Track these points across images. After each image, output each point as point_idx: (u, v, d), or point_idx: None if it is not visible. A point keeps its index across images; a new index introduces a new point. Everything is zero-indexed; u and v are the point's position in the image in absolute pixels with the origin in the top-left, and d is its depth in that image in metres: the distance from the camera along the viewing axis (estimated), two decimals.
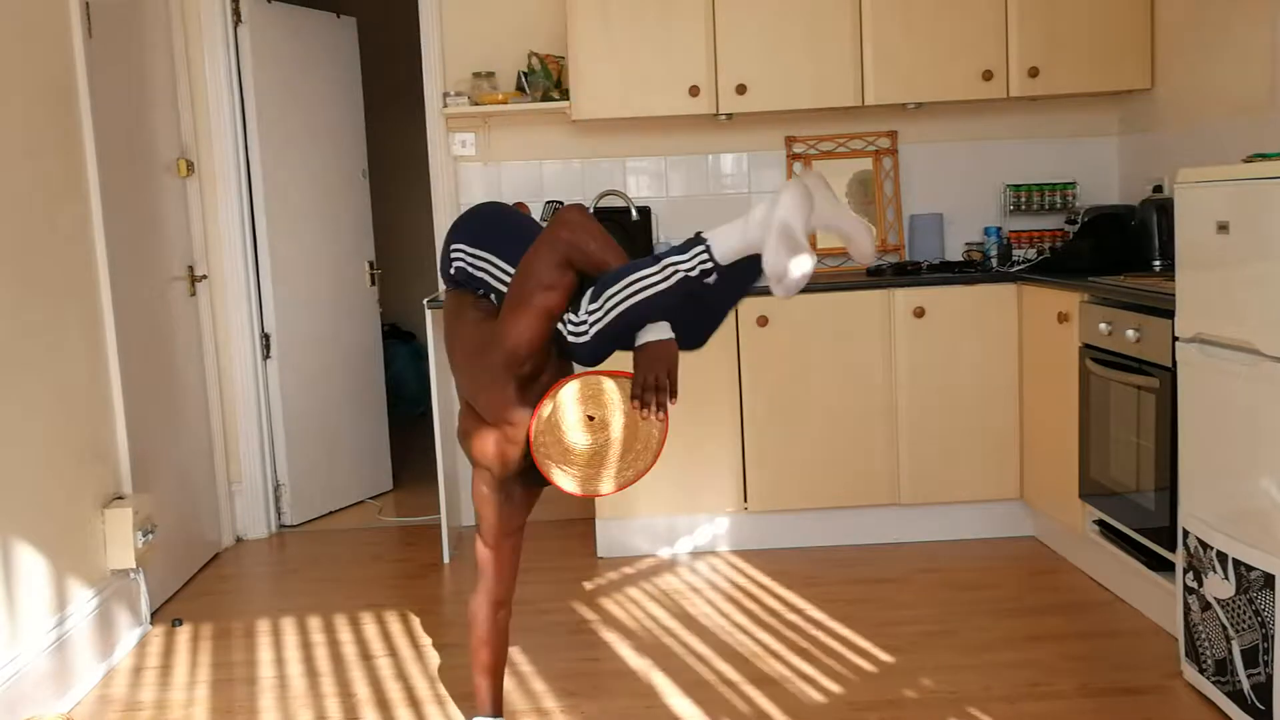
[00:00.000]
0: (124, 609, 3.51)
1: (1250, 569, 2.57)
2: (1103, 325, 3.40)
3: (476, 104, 4.44)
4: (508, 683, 3.12)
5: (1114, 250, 3.86)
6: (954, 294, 4.08)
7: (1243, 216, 2.55)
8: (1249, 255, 2.53)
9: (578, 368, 2.52)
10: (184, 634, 3.62)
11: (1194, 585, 2.83)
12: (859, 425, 4.12)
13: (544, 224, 2.58)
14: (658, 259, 2.31)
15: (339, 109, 5.04)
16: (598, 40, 4.23)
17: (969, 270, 4.25)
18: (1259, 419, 2.53)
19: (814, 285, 4.09)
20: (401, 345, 7.00)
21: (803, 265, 2.20)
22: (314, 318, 4.89)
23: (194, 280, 4.37)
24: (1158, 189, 4.13)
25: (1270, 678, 2.51)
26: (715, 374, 4.10)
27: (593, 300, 2.34)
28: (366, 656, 3.36)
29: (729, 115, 4.38)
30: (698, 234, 2.32)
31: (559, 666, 3.22)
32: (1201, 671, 2.82)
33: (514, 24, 4.57)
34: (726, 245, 2.28)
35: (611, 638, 3.43)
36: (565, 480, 2.38)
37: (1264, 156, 2.86)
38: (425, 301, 4.19)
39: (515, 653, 3.33)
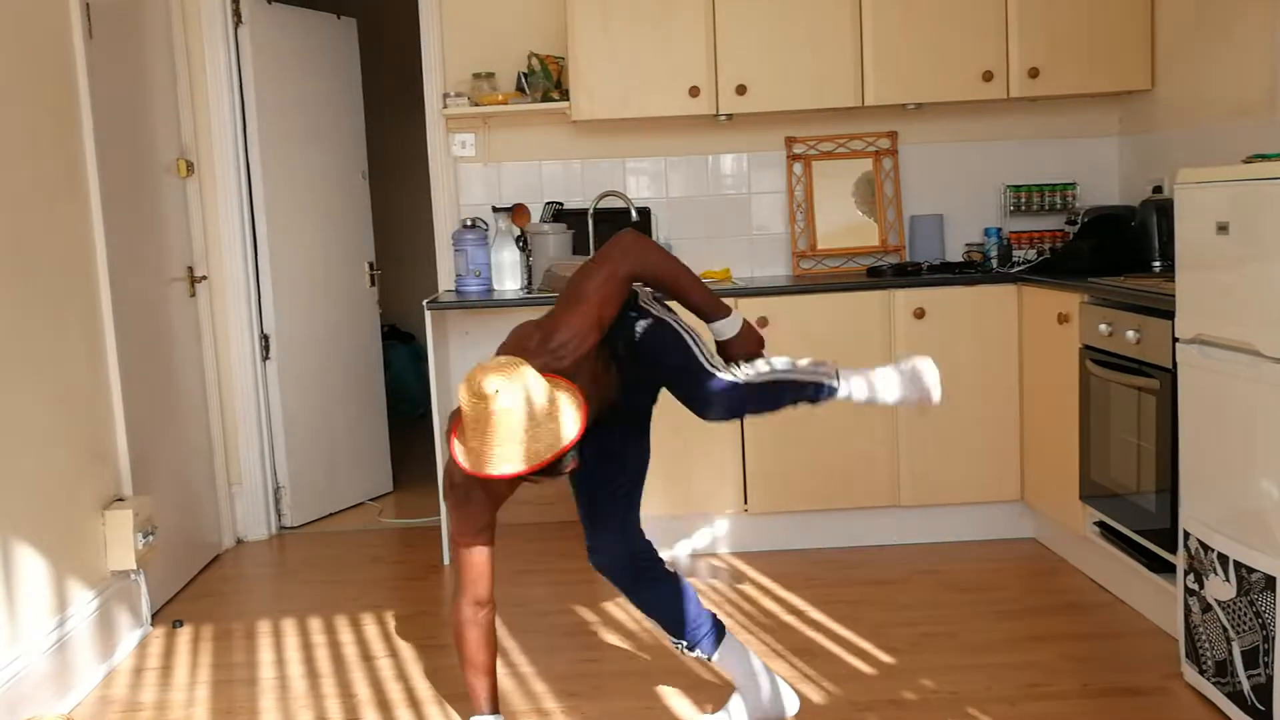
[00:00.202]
0: (124, 610, 3.51)
1: (1251, 570, 2.57)
2: (1103, 326, 3.40)
3: (476, 104, 4.44)
4: (508, 683, 3.12)
5: (1114, 251, 3.86)
6: (954, 295, 4.08)
7: (1243, 217, 2.55)
8: (1249, 256, 2.53)
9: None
10: (185, 635, 3.62)
11: (1195, 587, 2.82)
12: (859, 427, 4.11)
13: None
14: (814, 367, 2.70)
15: (339, 109, 5.04)
16: (598, 41, 4.23)
17: (969, 271, 4.25)
18: (1259, 420, 2.52)
19: (814, 285, 4.09)
20: (401, 346, 7.00)
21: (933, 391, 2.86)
22: (314, 319, 4.88)
23: (194, 281, 4.37)
24: (1158, 190, 4.13)
25: (1270, 679, 2.51)
26: None
27: (750, 366, 2.67)
28: (367, 657, 3.36)
29: (729, 116, 4.38)
30: (836, 372, 2.73)
31: (559, 667, 3.22)
32: (1202, 673, 2.81)
33: (514, 24, 4.57)
34: (858, 390, 2.75)
35: (612, 639, 3.43)
36: (462, 455, 2.32)
37: (1264, 157, 2.86)
38: (425, 302, 4.18)
39: (515, 653, 3.34)
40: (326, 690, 3.15)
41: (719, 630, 2.79)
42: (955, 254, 4.62)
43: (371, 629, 3.58)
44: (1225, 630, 2.68)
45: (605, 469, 2.74)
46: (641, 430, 2.81)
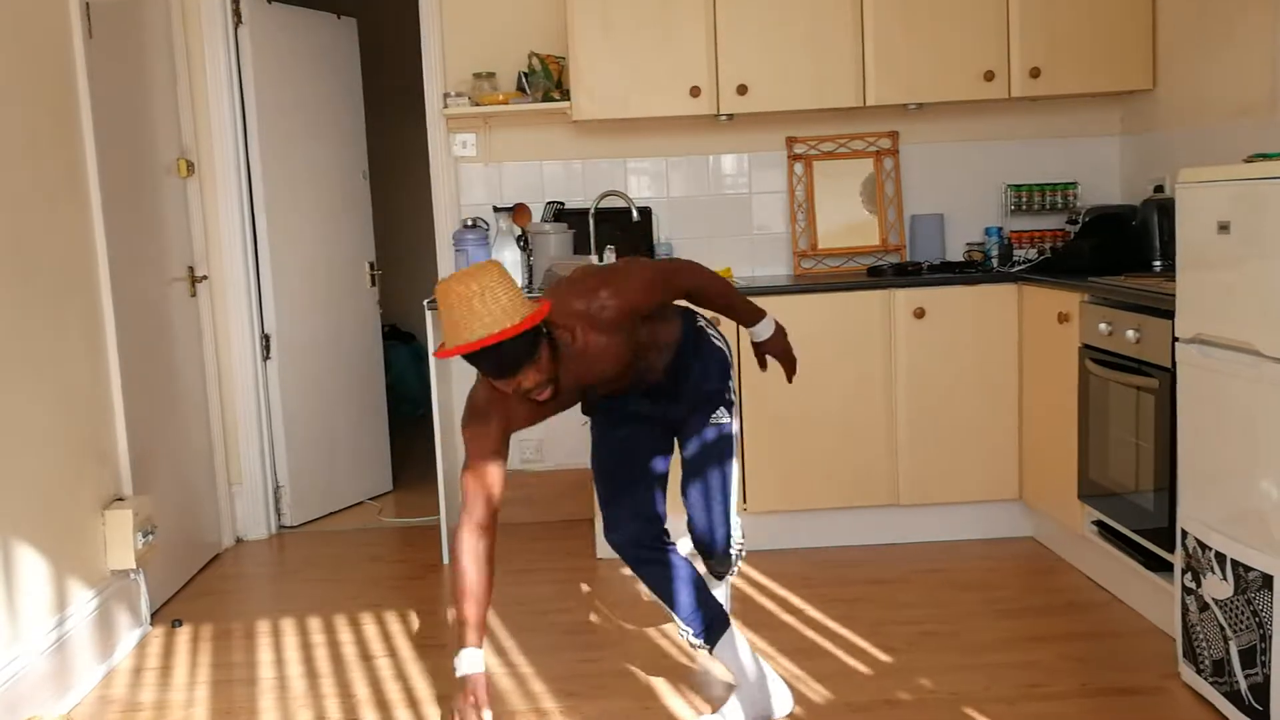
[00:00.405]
0: (124, 610, 3.52)
1: (1248, 570, 2.57)
2: (1103, 325, 3.40)
3: (477, 104, 4.44)
4: (508, 683, 3.12)
5: (1115, 250, 3.86)
6: (954, 294, 4.08)
7: (1244, 217, 2.55)
8: (1250, 256, 2.53)
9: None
10: (184, 635, 3.62)
11: (1192, 586, 2.82)
12: (858, 426, 4.12)
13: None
14: (711, 612, 2.88)
15: (339, 109, 5.05)
16: (598, 41, 4.23)
17: (970, 270, 4.25)
18: (1258, 420, 2.52)
19: (815, 285, 4.09)
20: (402, 346, 7.00)
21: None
22: (314, 319, 4.89)
23: (194, 281, 4.37)
24: (1159, 189, 4.13)
25: (1268, 678, 2.51)
26: None
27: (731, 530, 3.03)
28: (366, 657, 3.37)
29: (730, 116, 4.38)
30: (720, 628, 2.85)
31: (558, 667, 3.22)
32: (1199, 672, 2.81)
33: (514, 24, 4.57)
34: (725, 656, 2.86)
35: (612, 639, 3.43)
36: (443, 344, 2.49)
37: (1265, 157, 2.86)
38: (425, 302, 4.19)
39: (515, 653, 3.34)
40: (326, 690, 3.15)
41: (721, 625, 2.83)
42: (956, 253, 4.62)
43: (371, 629, 3.58)
44: (1223, 629, 2.68)
45: (632, 454, 2.94)
46: (670, 439, 3.03)
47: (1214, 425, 2.71)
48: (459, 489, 4.61)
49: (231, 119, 4.49)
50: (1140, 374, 3.20)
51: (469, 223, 4.40)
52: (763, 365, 3.03)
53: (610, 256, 4.39)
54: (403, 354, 6.96)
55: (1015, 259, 4.44)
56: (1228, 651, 2.67)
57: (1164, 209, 3.80)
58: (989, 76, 4.23)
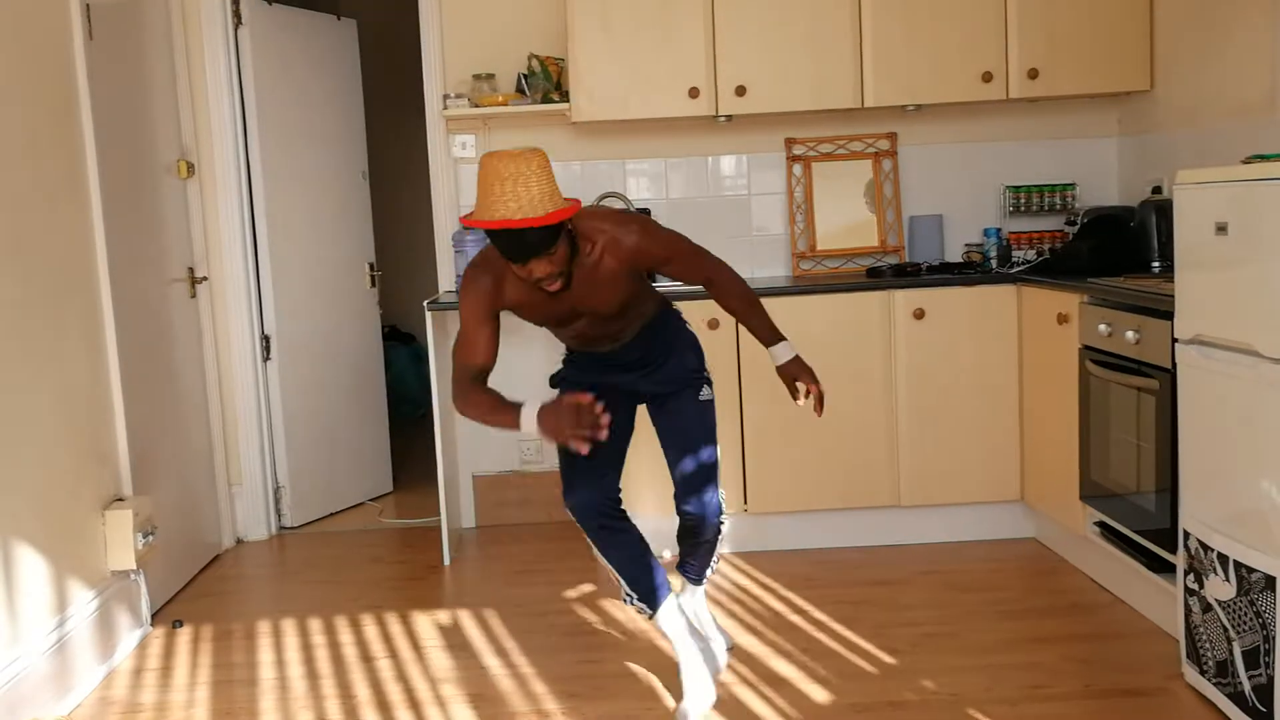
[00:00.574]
0: (124, 610, 3.51)
1: (1251, 570, 2.57)
2: (1102, 326, 3.41)
3: (476, 106, 4.44)
4: (508, 683, 3.13)
5: (1113, 251, 3.86)
6: (954, 295, 4.08)
7: (1242, 218, 2.56)
8: (1248, 257, 2.54)
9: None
10: (184, 635, 3.62)
11: (1195, 587, 2.83)
12: (859, 426, 4.12)
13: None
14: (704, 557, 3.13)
15: (339, 111, 5.05)
16: (597, 42, 4.23)
17: (969, 271, 4.26)
18: (1259, 420, 2.53)
19: (814, 286, 4.10)
20: (401, 347, 7.00)
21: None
22: (314, 319, 4.89)
23: (194, 282, 4.37)
24: (1157, 190, 4.13)
25: (1271, 679, 2.51)
26: (715, 375, 4.09)
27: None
28: (367, 658, 3.36)
29: (728, 117, 4.39)
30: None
31: (560, 668, 3.22)
32: (1202, 673, 2.82)
33: (514, 26, 4.57)
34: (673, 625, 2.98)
35: (612, 639, 3.43)
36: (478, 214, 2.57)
37: (1263, 158, 2.86)
38: (425, 303, 4.19)
39: (515, 653, 3.34)
40: (326, 691, 3.15)
41: (664, 592, 2.98)
42: (955, 254, 4.63)
43: (371, 629, 3.58)
44: (1226, 630, 2.69)
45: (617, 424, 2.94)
46: (633, 418, 3.11)
47: (1214, 426, 2.71)
48: (458, 493, 4.62)
49: (231, 120, 4.48)
50: (1140, 375, 3.21)
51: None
52: (795, 393, 2.97)
53: None
54: (403, 354, 6.96)
55: (1014, 260, 4.44)
56: (1231, 653, 2.67)
57: (1162, 210, 3.80)
58: (987, 78, 4.23)
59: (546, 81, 4.42)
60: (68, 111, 3.38)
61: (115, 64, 3.75)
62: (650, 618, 2.99)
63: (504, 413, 2.65)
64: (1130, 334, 3.23)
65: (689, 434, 3.03)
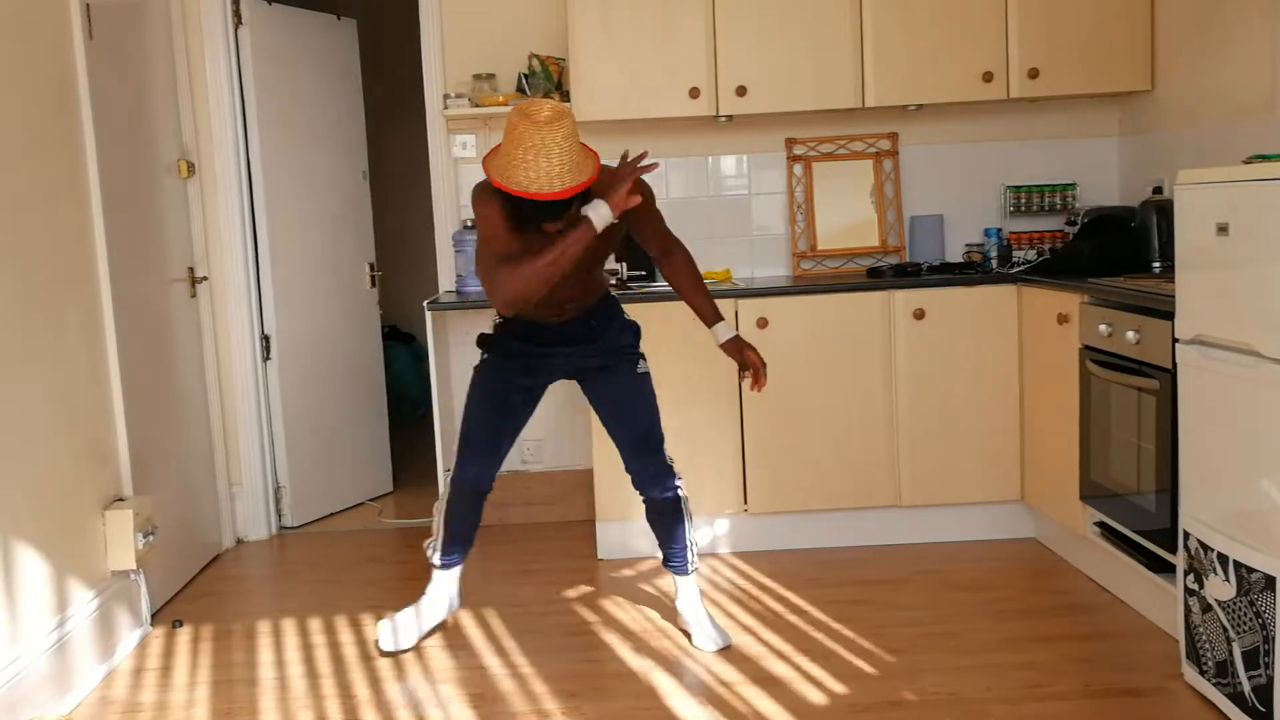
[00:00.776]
0: (124, 610, 3.51)
1: (1251, 571, 2.57)
2: (1103, 327, 3.41)
3: (477, 105, 4.44)
4: (508, 683, 3.12)
5: (1114, 251, 3.86)
6: (954, 295, 4.08)
7: (1243, 218, 2.55)
8: (1249, 257, 2.54)
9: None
10: (184, 635, 3.62)
11: (1195, 587, 2.83)
12: (859, 426, 4.12)
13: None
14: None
15: (339, 110, 5.05)
16: (598, 42, 4.23)
17: (969, 271, 4.25)
18: (1259, 421, 2.53)
19: (814, 286, 4.10)
20: (402, 347, 7.00)
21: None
22: (314, 319, 4.89)
23: (194, 282, 4.37)
24: (1158, 190, 4.13)
25: (1271, 680, 2.51)
26: (715, 375, 4.10)
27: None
28: (367, 658, 3.36)
29: (729, 117, 4.38)
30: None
31: (559, 668, 3.22)
32: (1202, 673, 2.82)
33: (514, 25, 4.57)
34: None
35: (612, 639, 3.43)
36: (521, 182, 2.74)
37: (1264, 158, 2.86)
38: (425, 303, 4.19)
39: (515, 653, 3.34)
40: (326, 690, 3.15)
41: (454, 561, 3.41)
42: (955, 254, 4.63)
43: (371, 629, 3.58)
44: (1225, 630, 2.68)
45: (516, 409, 3.27)
46: (540, 397, 3.35)
47: (1215, 426, 2.71)
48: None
49: (232, 120, 4.48)
50: (1141, 375, 3.21)
51: (469, 224, 4.40)
52: (744, 366, 3.22)
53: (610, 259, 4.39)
54: (403, 354, 6.96)
55: (1014, 260, 4.44)
56: (1231, 653, 2.67)
57: (1163, 210, 3.80)
58: (988, 77, 4.23)
59: (547, 81, 4.42)
60: (68, 111, 3.38)
61: (115, 64, 3.75)
62: (435, 567, 3.39)
63: (571, 238, 2.78)
64: (1131, 334, 3.23)
65: (630, 403, 3.26)
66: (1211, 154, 3.80)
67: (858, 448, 4.13)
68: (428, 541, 3.41)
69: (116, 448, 3.54)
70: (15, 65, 3.08)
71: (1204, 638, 2.79)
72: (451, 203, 4.64)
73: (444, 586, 3.45)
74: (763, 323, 4.05)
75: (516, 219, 2.85)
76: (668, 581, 3.89)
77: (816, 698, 2.96)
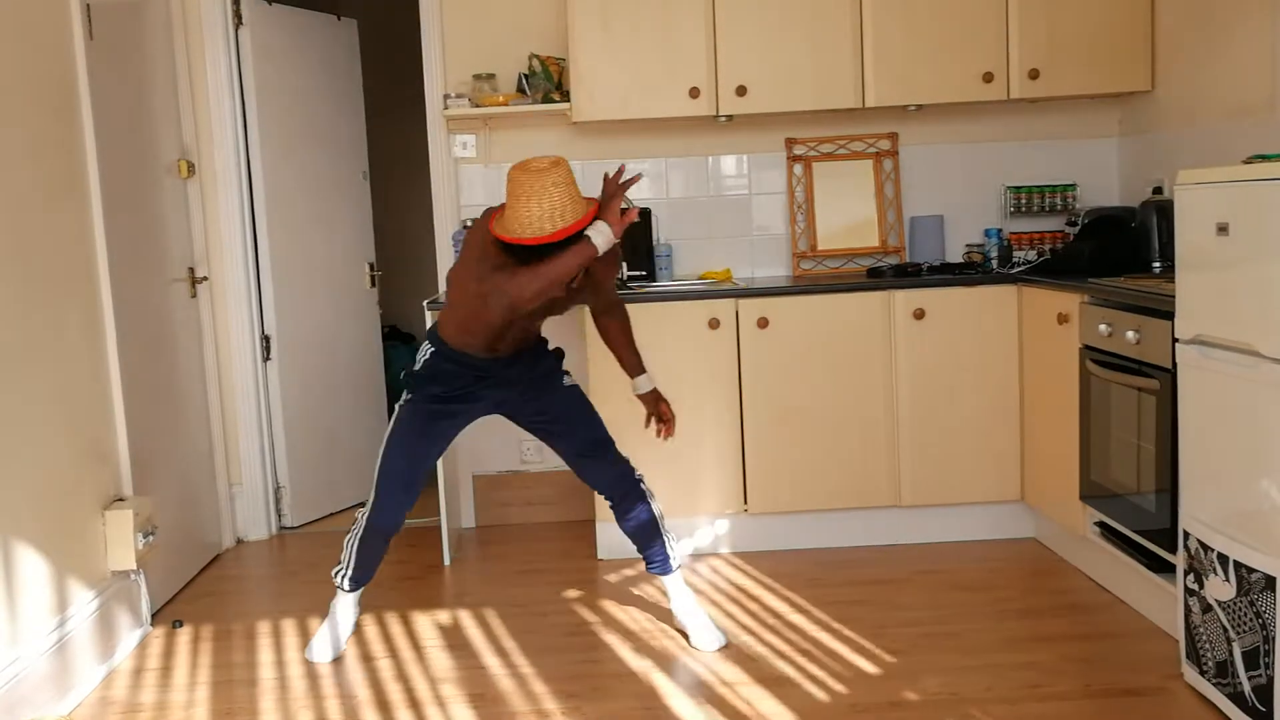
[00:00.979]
0: (125, 610, 3.51)
1: (1251, 571, 2.57)
2: (1103, 327, 3.40)
3: (477, 106, 4.44)
4: (508, 683, 3.12)
5: (1114, 252, 3.86)
6: (954, 295, 4.08)
7: (1243, 218, 2.55)
8: (1249, 257, 2.53)
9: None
10: (184, 635, 3.62)
11: (1195, 587, 2.83)
12: (859, 427, 4.12)
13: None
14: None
15: (340, 111, 5.05)
16: (598, 42, 4.23)
17: (969, 272, 4.25)
18: (1259, 421, 2.53)
19: (814, 286, 4.10)
20: (402, 347, 6.98)
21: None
22: (314, 319, 4.89)
23: (194, 282, 4.37)
24: (1158, 190, 4.13)
25: (1271, 680, 2.51)
26: (715, 375, 4.10)
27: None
28: (367, 658, 3.36)
29: (729, 117, 4.38)
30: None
31: (559, 668, 3.22)
32: (1202, 673, 2.81)
33: (514, 25, 4.57)
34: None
35: (612, 639, 3.43)
36: (516, 229, 2.87)
37: (1264, 158, 2.86)
38: (425, 303, 4.19)
39: (515, 653, 3.34)
40: (326, 691, 3.15)
41: (358, 587, 3.43)
42: (955, 255, 4.63)
43: (371, 629, 3.58)
44: (1225, 630, 2.68)
45: (441, 441, 3.36)
46: (458, 432, 3.42)
47: (1215, 426, 2.71)
48: (458, 493, 4.62)
49: (232, 120, 4.48)
50: (1141, 375, 3.21)
51: (469, 224, 4.40)
52: (658, 417, 3.43)
53: None
54: (403, 354, 6.93)
55: (1015, 260, 4.44)
56: (1231, 653, 2.67)
57: (1163, 210, 3.80)
58: (988, 78, 4.23)
59: (547, 81, 4.42)
60: (68, 111, 3.38)
61: (115, 64, 3.75)
62: (343, 590, 3.39)
63: (571, 253, 2.87)
64: (1131, 334, 3.23)
65: (570, 414, 3.35)
66: (1211, 154, 3.79)
67: (858, 448, 4.13)
68: (336, 569, 3.39)
69: (116, 448, 3.54)
70: (15, 65, 3.08)
71: (1204, 638, 2.79)
72: (451, 203, 4.64)
73: (345, 613, 3.46)
74: (763, 323, 4.06)
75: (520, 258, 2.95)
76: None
77: (817, 697, 2.96)
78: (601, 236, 2.88)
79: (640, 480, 3.39)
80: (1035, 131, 4.63)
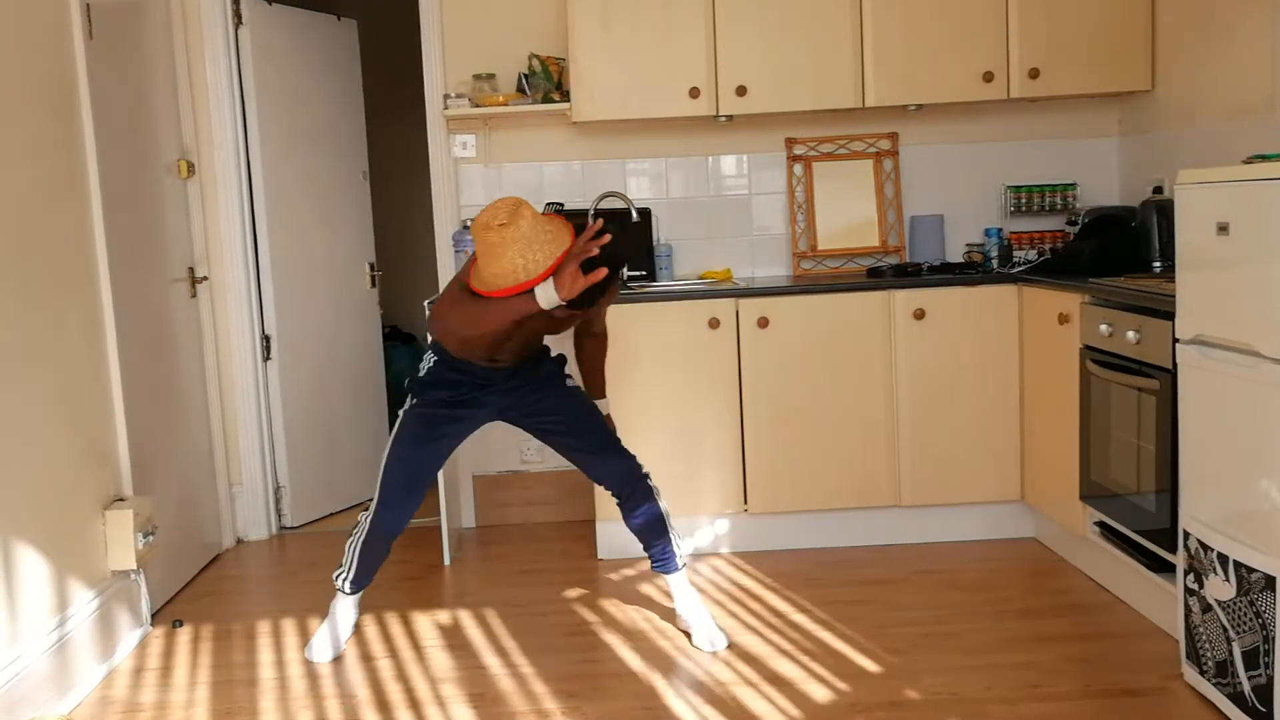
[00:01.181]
0: (125, 610, 3.51)
1: (1251, 570, 2.57)
2: (1103, 327, 3.40)
3: (477, 106, 4.44)
4: (508, 683, 3.12)
5: (1114, 251, 3.86)
6: (954, 295, 4.08)
7: (1243, 218, 2.55)
8: (1249, 256, 2.53)
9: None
10: (184, 635, 3.62)
11: (1195, 587, 2.82)
12: (859, 426, 4.12)
13: None
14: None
15: (340, 111, 5.05)
16: (598, 42, 4.23)
17: (969, 271, 4.25)
18: (1259, 421, 2.52)
19: (815, 286, 4.10)
20: (402, 347, 6.99)
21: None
22: (314, 319, 4.89)
23: (194, 282, 4.37)
24: (1158, 190, 4.13)
25: (1271, 679, 2.51)
26: (715, 375, 4.10)
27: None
28: (367, 658, 3.36)
29: (729, 117, 4.38)
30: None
31: (559, 668, 3.22)
32: (1202, 673, 2.81)
33: (514, 25, 4.57)
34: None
35: (612, 639, 3.43)
36: (493, 282, 2.95)
37: (1264, 158, 2.86)
38: (425, 303, 4.19)
39: (515, 653, 3.34)
40: (326, 690, 3.15)
41: (359, 589, 3.43)
42: (956, 254, 4.63)
43: (372, 629, 3.58)
44: (1225, 630, 2.68)
45: (446, 450, 3.40)
46: (464, 438, 3.46)
47: (1215, 426, 2.71)
48: (458, 493, 4.63)
49: (232, 120, 4.48)
50: (1141, 375, 3.20)
51: (469, 224, 4.40)
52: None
53: None
54: (403, 354, 6.94)
55: (1015, 260, 4.44)
56: (1231, 653, 2.67)
57: (1163, 210, 3.80)
58: (988, 77, 4.23)
59: (547, 81, 4.42)
60: (68, 111, 3.38)
61: (115, 64, 3.75)
62: (343, 592, 3.41)
63: (510, 305, 2.94)
64: (1131, 334, 3.23)
65: (574, 413, 3.38)
66: (1211, 154, 3.79)
67: (858, 448, 4.13)
68: (337, 573, 3.40)
69: (116, 448, 3.54)
70: (15, 65, 3.08)
71: (1204, 638, 2.79)
72: (451, 203, 4.64)
73: (345, 615, 3.47)
74: (763, 322, 4.05)
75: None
76: (668, 582, 3.89)
77: (817, 697, 2.96)
78: (545, 298, 2.90)
79: (647, 476, 3.41)
80: (1035, 131, 4.63)
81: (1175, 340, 2.90)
